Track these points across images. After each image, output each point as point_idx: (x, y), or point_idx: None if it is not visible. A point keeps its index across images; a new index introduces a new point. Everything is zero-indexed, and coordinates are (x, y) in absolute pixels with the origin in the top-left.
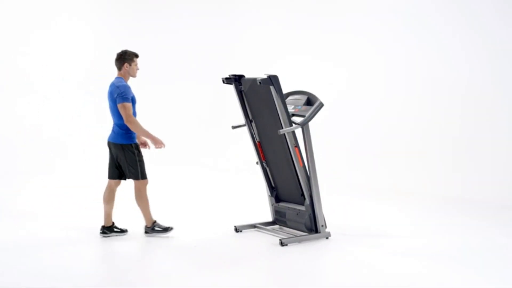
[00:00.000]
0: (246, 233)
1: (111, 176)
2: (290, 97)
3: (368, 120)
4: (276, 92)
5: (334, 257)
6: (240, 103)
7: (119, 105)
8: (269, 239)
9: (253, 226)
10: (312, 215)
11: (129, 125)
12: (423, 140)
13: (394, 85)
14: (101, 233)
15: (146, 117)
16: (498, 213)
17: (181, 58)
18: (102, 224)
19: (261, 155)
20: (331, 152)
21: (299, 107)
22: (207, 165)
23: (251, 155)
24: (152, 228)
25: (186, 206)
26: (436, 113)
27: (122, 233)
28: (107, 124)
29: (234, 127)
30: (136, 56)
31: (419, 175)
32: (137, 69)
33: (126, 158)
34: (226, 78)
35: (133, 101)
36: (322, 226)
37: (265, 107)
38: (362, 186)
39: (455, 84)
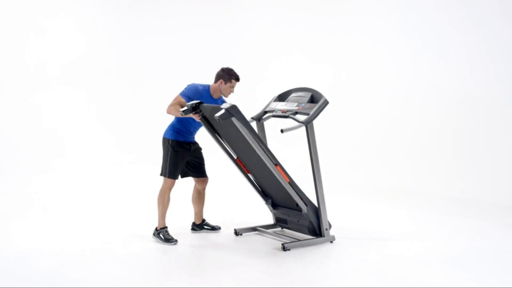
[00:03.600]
0: (247, 236)
1: (190, 176)
2: (293, 94)
3: (371, 120)
4: (240, 122)
5: (339, 263)
6: (206, 128)
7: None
8: (271, 243)
9: (254, 229)
10: (315, 219)
11: (168, 109)
12: (426, 140)
13: (397, 85)
14: (191, 229)
15: (146, 115)
16: (503, 214)
17: (180, 57)
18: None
19: (244, 169)
20: (333, 151)
21: (303, 104)
22: (206, 164)
23: None
24: (159, 233)
25: (183, 207)
26: (440, 113)
27: (214, 230)
28: (106, 123)
29: None
30: (237, 79)
31: (423, 175)
32: (231, 92)
33: (162, 151)
34: (183, 111)
35: (196, 123)
36: (327, 229)
37: (233, 132)
38: (365, 186)
39: (459, 83)
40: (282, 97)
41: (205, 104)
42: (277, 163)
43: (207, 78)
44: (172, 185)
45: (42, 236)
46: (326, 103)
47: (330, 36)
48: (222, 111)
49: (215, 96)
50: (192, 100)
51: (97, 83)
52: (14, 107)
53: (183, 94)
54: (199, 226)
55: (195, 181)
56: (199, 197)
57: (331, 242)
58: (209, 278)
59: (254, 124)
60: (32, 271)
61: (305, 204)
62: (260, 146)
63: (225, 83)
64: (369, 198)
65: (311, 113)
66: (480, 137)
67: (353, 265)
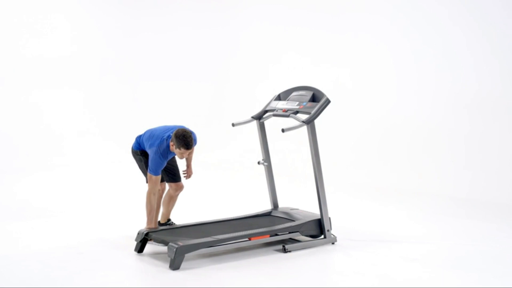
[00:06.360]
0: None
1: (164, 180)
2: (294, 93)
3: (373, 119)
4: (197, 249)
5: (340, 265)
6: None
7: (148, 174)
8: (272, 244)
9: None
10: (315, 231)
11: (147, 195)
12: (429, 140)
13: (400, 84)
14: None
15: (145, 114)
16: (508, 215)
17: (179, 56)
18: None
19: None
20: (335, 151)
21: (304, 103)
22: (205, 162)
23: (251, 152)
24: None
25: (182, 206)
26: (443, 112)
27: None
28: (105, 121)
29: (234, 125)
30: (185, 148)
31: (426, 175)
32: (183, 156)
33: (136, 163)
34: (137, 251)
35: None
36: (328, 231)
37: None
38: (367, 186)
39: (463, 82)
40: (283, 96)
41: (153, 234)
42: (250, 236)
43: (206, 78)
44: (163, 189)
45: (41, 236)
46: (327, 102)
47: (331, 35)
48: (170, 261)
49: (172, 150)
50: None
51: (96, 81)
52: (11, 106)
53: (153, 172)
54: (163, 225)
55: (169, 186)
56: (169, 200)
57: (333, 243)
58: (209, 279)
59: (254, 123)
60: (30, 271)
61: (296, 231)
62: (228, 237)
63: (175, 148)
64: (372, 198)
65: (312, 112)
66: (484, 136)
67: (355, 267)
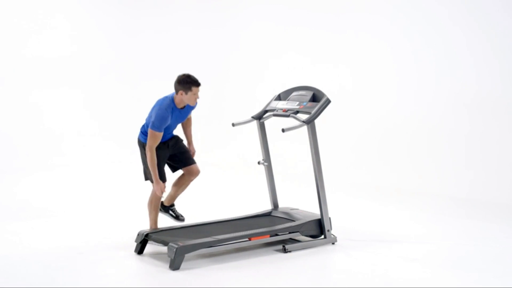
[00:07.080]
0: None
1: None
2: (294, 93)
3: (373, 119)
4: (197, 249)
5: (341, 265)
6: None
7: (149, 130)
8: (272, 244)
9: None
10: (315, 231)
11: (147, 151)
12: (430, 139)
13: (400, 83)
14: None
15: (145, 114)
16: (509, 215)
17: (179, 55)
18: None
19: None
20: (335, 150)
21: (304, 103)
22: (205, 162)
23: (251, 152)
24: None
25: (181, 205)
26: (444, 111)
27: (177, 220)
28: (103, 122)
29: (234, 124)
30: (196, 85)
31: (427, 175)
32: (196, 98)
33: (140, 154)
34: (136, 252)
35: (170, 126)
36: (328, 231)
37: None
38: (368, 186)
39: (463, 82)
40: (283, 96)
41: (153, 235)
42: (250, 236)
43: (205, 78)
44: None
45: (41, 236)
46: (328, 102)
47: (331, 34)
48: (170, 261)
49: (181, 106)
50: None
51: (96, 81)
52: (11, 106)
53: (157, 128)
54: (165, 208)
55: (185, 171)
56: (181, 183)
57: (333, 243)
58: (209, 279)
59: (254, 123)
60: (30, 271)
61: (296, 231)
62: (228, 237)
63: (186, 93)
64: (372, 198)
65: (312, 112)
66: (484, 136)
67: (355, 267)
